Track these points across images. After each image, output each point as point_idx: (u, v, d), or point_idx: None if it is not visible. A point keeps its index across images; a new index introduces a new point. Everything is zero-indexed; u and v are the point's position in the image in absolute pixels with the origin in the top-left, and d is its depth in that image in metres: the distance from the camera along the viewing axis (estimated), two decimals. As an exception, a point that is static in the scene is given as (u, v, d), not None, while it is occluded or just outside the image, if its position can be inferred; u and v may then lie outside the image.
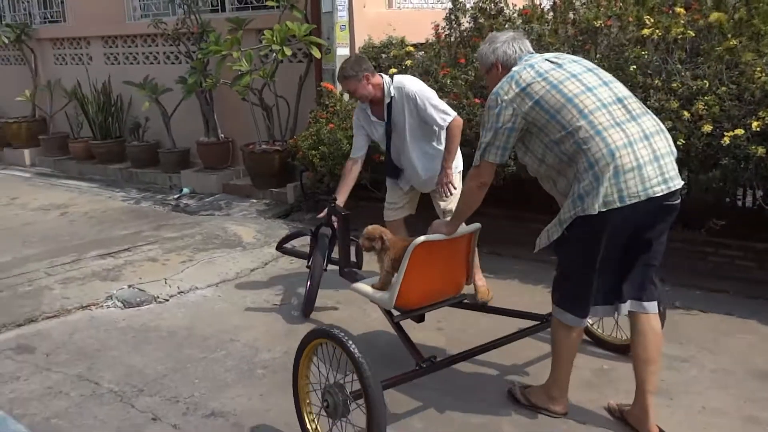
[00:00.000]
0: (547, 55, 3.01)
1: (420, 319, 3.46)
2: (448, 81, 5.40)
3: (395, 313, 3.31)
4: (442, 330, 4.04)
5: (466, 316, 3.92)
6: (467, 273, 3.47)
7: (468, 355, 3.28)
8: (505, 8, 5.81)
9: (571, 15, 5.53)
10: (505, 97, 2.85)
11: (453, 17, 5.99)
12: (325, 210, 4.15)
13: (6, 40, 9.68)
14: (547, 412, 3.12)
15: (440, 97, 4.24)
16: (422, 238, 3.11)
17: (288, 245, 4.73)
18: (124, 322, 4.27)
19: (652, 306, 2.93)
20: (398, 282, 3.13)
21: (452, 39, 5.98)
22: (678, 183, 2.76)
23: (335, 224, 4.08)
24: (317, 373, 2.84)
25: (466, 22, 5.97)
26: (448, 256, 3.30)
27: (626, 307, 2.93)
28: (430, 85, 4.52)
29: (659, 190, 2.69)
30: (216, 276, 4.99)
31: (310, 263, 4.33)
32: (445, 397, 3.29)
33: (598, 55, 4.95)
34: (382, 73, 4.26)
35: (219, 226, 6.16)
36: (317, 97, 6.70)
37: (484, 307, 3.87)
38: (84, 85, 9.16)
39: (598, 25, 5.07)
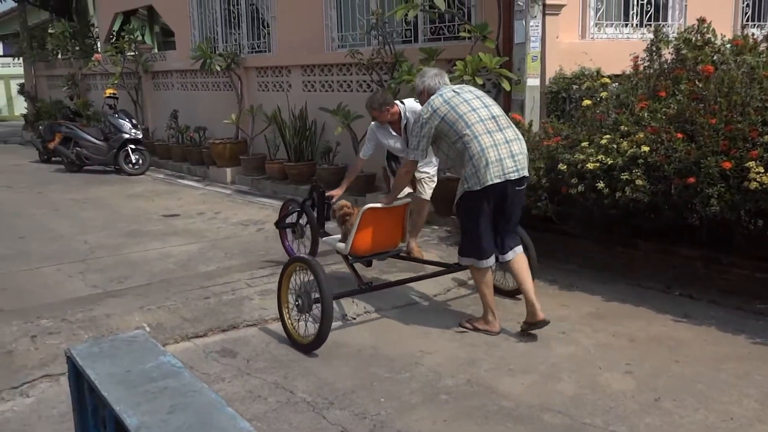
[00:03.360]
0: (454, 86, 4.58)
1: (368, 264, 5.22)
2: (646, 114, 5.21)
3: (350, 258, 4.86)
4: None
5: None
6: (402, 234, 5.03)
7: (394, 284, 4.96)
8: (712, 39, 5.52)
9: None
10: (425, 116, 4.40)
11: (654, 48, 5.78)
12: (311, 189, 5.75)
13: (218, 68, 10.65)
14: (487, 332, 4.46)
15: (635, 131, 4.77)
16: (368, 205, 4.75)
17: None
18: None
19: (513, 252, 4.48)
20: (351, 235, 4.71)
21: (651, 71, 5.76)
22: (525, 173, 4.36)
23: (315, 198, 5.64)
24: (295, 284, 4.35)
25: (668, 54, 5.74)
26: (387, 219, 4.87)
27: (507, 256, 4.47)
28: (625, 119, 4.68)
29: (514, 176, 4.26)
30: (400, 299, 5.13)
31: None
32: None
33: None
34: (397, 101, 5.72)
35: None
36: (505, 127, 6.73)
37: (412, 258, 5.56)
38: (283, 111, 9.84)
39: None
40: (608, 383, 3.77)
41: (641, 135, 5.01)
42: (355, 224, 4.70)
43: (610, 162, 5.05)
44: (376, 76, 8.11)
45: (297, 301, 4.31)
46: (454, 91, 4.46)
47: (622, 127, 5.25)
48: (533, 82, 6.60)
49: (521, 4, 6.46)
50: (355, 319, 4.80)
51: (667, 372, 3.88)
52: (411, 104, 5.65)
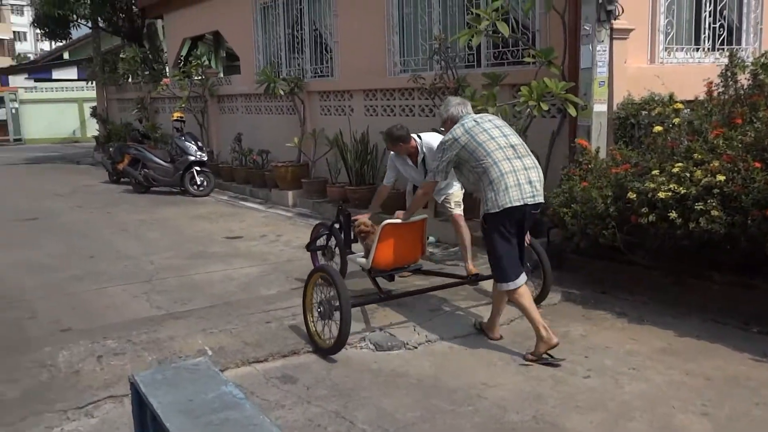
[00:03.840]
0: (475, 116, 4.81)
1: (390, 278, 5.44)
2: (721, 142, 5.01)
3: (372, 272, 5.19)
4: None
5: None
6: (422, 249, 5.37)
7: (412, 293, 5.31)
8: (792, 63, 5.30)
9: None
10: (447, 143, 4.67)
11: (729, 73, 5.58)
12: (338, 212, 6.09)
13: (282, 92, 10.80)
14: (488, 336, 4.86)
15: (710, 159, 4.71)
16: (387, 221, 5.04)
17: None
18: (376, 364, 4.44)
19: (523, 278, 4.63)
20: (372, 250, 5.04)
21: (726, 96, 5.55)
22: (540, 199, 4.57)
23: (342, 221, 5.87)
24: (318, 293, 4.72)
25: (744, 79, 5.53)
26: (406, 234, 5.18)
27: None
28: (698, 146, 4.60)
29: (531, 201, 4.48)
30: (462, 328, 5.03)
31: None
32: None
33: None
34: (414, 135, 5.93)
35: (464, 277, 6.24)
36: (570, 153, 6.59)
37: (432, 272, 5.71)
38: (344, 134, 9.90)
39: None
40: (683, 425, 3.58)
41: (716, 163, 4.82)
42: (375, 239, 5.06)
43: (683, 191, 4.86)
44: (438, 101, 8.07)
45: (319, 307, 4.67)
46: (475, 121, 4.71)
47: (696, 155, 5.06)
48: (600, 107, 6.45)
49: (588, 28, 6.34)
50: (416, 348, 4.71)
51: (748, 416, 3.66)
52: (428, 139, 5.86)
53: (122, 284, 6.41)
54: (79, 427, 3.70)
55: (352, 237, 5.75)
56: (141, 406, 2.31)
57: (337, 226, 5.95)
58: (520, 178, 4.46)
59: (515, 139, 4.66)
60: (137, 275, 6.72)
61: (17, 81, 29.61)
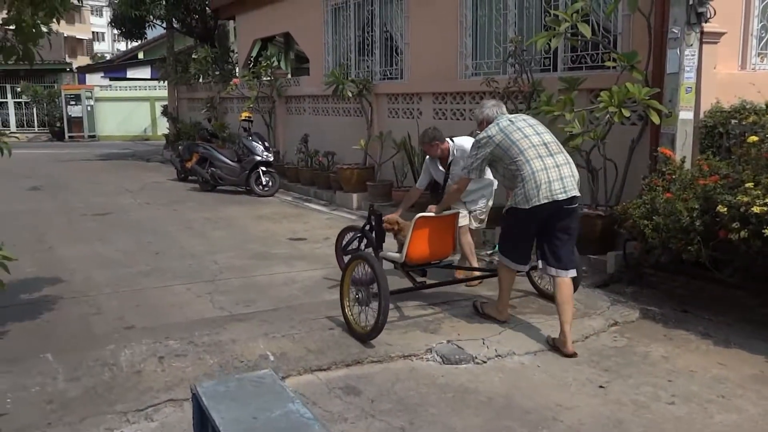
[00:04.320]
0: (510, 116, 4.99)
1: (423, 273, 5.57)
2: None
3: (405, 266, 5.29)
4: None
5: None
6: (453, 244, 5.46)
7: (447, 283, 5.62)
8: None
9: None
10: (482, 142, 4.88)
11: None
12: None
13: (350, 94, 10.70)
14: (494, 320, 5.06)
15: None
16: (420, 214, 5.22)
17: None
18: (443, 378, 4.23)
19: (565, 273, 4.70)
20: (406, 245, 5.16)
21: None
22: (573, 193, 4.62)
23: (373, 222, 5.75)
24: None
25: None
26: (438, 227, 5.28)
27: (558, 273, 4.70)
28: None
29: (561, 197, 4.56)
30: (534, 343, 4.77)
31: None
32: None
33: None
34: (448, 138, 6.18)
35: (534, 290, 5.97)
36: (652, 163, 6.25)
37: (462, 267, 5.98)
38: (412, 138, 9.71)
39: None
40: (783, 464, 3.26)
41: (818, 177, 4.44)
42: (408, 233, 5.19)
43: (780, 207, 4.49)
44: (511, 105, 7.81)
45: (357, 294, 4.82)
46: (510, 120, 4.91)
47: (796, 167, 4.69)
48: (686, 115, 6.08)
49: (676, 31, 5.99)
50: (486, 362, 4.48)
51: None
52: (461, 142, 6.11)
53: (186, 283, 6.38)
54: (138, 431, 3.61)
55: (384, 237, 5.72)
56: (203, 421, 2.17)
57: (368, 227, 5.86)
58: (551, 175, 4.61)
59: (548, 137, 4.83)
60: (201, 274, 6.69)
61: (94, 79, 30.64)
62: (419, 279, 5.43)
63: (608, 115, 6.26)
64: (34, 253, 7.76)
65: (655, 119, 6.06)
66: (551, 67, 7.94)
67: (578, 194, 4.70)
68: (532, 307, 5.49)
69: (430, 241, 5.25)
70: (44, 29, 4.47)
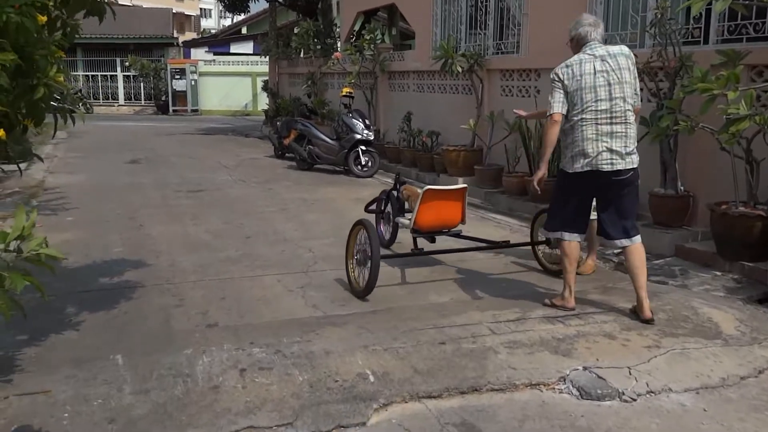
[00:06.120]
0: (598, 49, 4.62)
1: (432, 240, 5.80)
2: None
3: (413, 232, 5.65)
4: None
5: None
6: (462, 215, 5.61)
7: (445, 251, 5.77)
8: None
9: None
10: (555, 83, 4.64)
11: None
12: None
13: (460, 70, 9.81)
14: (562, 308, 4.78)
15: None
16: (428, 186, 5.50)
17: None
18: (584, 420, 3.37)
19: (630, 240, 4.65)
20: (414, 213, 5.48)
21: None
22: (621, 166, 4.51)
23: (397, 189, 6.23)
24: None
25: None
26: (446, 199, 5.51)
27: (617, 243, 4.72)
28: None
29: (607, 168, 4.51)
30: (694, 377, 3.82)
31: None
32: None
33: None
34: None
35: (684, 303, 4.97)
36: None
37: (468, 237, 5.93)
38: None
39: None
40: None
41: None
42: (417, 202, 5.43)
43: None
44: (651, 84, 6.74)
45: (356, 255, 5.24)
46: (593, 64, 4.53)
47: None
48: None
49: None
50: (635, 400, 3.58)
51: None
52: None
53: (277, 273, 5.77)
54: (209, 465, 2.97)
55: (404, 204, 6.14)
56: None
57: (395, 193, 6.25)
58: (601, 145, 4.48)
59: (618, 92, 4.51)
60: (293, 264, 6.06)
61: (198, 54, 30.94)
62: (429, 245, 5.81)
63: (782, 96, 5.16)
64: (123, 231, 7.38)
65: None
66: (701, 39, 6.79)
67: (629, 167, 4.54)
68: (684, 326, 4.52)
69: (438, 212, 5.52)
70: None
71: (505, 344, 4.15)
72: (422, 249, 5.73)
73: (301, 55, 18.34)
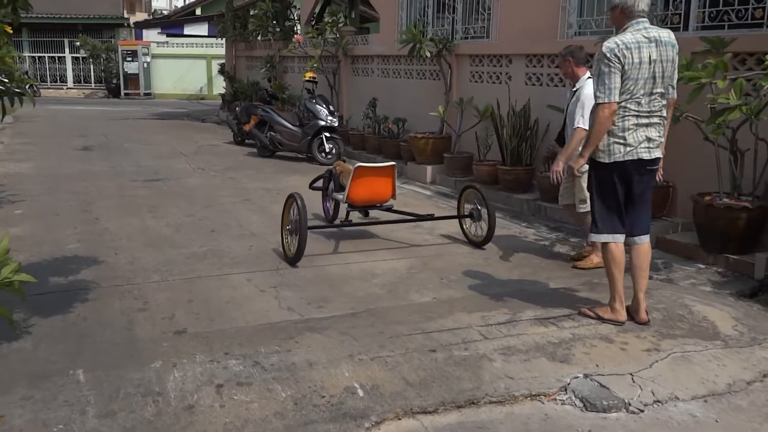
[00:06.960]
0: (651, 32, 4.13)
1: (365, 214, 6.74)
2: None
3: (347, 206, 6.18)
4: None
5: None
6: (392, 191, 6.18)
7: (372, 223, 6.60)
8: None
9: None
10: (607, 53, 4.08)
11: None
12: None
13: (428, 54, 9.51)
14: (612, 322, 4.33)
15: None
16: (358, 164, 6.07)
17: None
18: (591, 435, 3.15)
19: (641, 239, 4.37)
20: (347, 188, 6.01)
21: None
22: (657, 154, 4.27)
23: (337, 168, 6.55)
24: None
25: None
26: (376, 176, 6.07)
27: (636, 240, 4.37)
28: None
29: (645, 156, 4.21)
30: (699, 383, 3.63)
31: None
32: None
33: None
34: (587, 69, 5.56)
35: (677, 301, 4.80)
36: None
37: (397, 211, 6.48)
38: (502, 105, 8.52)
39: None
40: None
41: None
42: (348, 179, 5.93)
43: None
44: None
45: (288, 225, 5.63)
46: (650, 51, 4.09)
47: None
48: None
49: None
50: (642, 411, 3.37)
51: None
52: (590, 82, 5.24)
53: (246, 272, 5.42)
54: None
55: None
56: None
57: (333, 170, 6.65)
58: (639, 135, 4.18)
59: (659, 98, 4.20)
60: (263, 261, 5.72)
61: (150, 35, 29.92)
62: (363, 218, 6.70)
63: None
64: (78, 224, 6.93)
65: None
66: (681, 26, 6.63)
67: (660, 156, 4.34)
68: (681, 326, 4.34)
69: (369, 187, 6.00)
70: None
71: (499, 350, 3.90)
72: (350, 221, 6.27)
73: (259, 37, 17.79)
